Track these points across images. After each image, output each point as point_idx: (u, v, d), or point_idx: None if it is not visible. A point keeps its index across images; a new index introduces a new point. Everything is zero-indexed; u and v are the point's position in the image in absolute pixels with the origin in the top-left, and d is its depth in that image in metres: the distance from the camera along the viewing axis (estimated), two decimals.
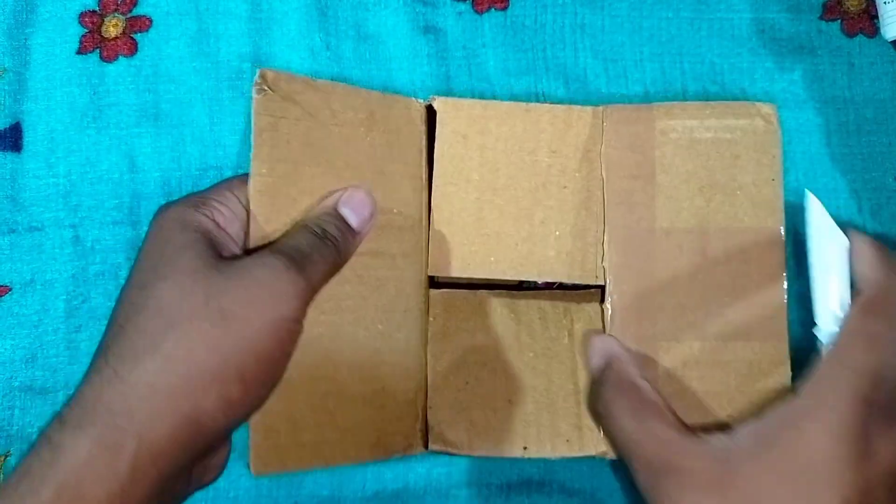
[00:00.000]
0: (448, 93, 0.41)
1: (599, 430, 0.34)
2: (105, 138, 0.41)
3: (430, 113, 0.33)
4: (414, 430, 0.33)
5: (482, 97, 0.41)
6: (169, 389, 0.25)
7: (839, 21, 0.42)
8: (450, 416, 0.34)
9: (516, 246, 0.33)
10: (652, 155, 0.32)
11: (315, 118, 0.31)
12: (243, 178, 0.32)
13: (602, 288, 0.35)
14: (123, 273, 0.40)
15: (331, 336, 0.31)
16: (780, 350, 0.32)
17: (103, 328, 0.39)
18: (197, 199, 0.32)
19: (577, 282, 0.33)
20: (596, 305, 0.35)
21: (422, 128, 0.33)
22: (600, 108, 0.33)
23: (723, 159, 0.33)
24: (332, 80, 0.41)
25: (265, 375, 0.28)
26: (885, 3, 0.40)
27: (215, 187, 0.33)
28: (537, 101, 0.41)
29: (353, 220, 0.31)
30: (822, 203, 0.40)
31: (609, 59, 0.41)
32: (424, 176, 0.33)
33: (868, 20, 0.41)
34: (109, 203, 0.41)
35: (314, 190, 0.31)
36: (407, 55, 0.42)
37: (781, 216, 0.33)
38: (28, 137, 0.41)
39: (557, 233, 0.33)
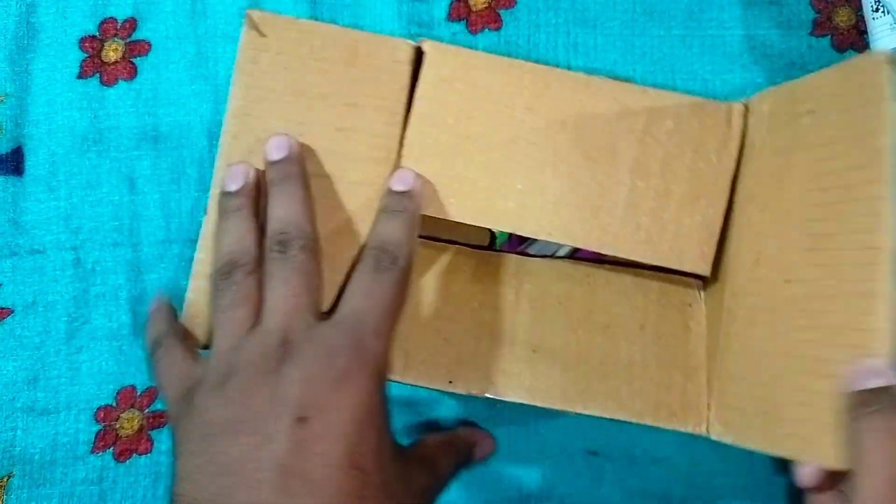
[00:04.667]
0: None
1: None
2: (105, 161, 0.42)
3: (418, 55, 0.34)
4: None
5: None
6: None
7: (829, 36, 0.42)
8: None
9: (478, 193, 0.34)
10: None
11: (293, 53, 0.34)
12: None
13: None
14: (124, 294, 0.41)
15: None
16: None
17: (104, 349, 0.40)
18: None
19: (530, 235, 0.34)
20: (549, 275, 0.37)
21: (407, 67, 0.34)
22: (584, 76, 0.34)
23: (682, 146, 0.34)
24: None
25: None
26: (874, 18, 0.40)
27: None
28: None
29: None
30: None
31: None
32: (402, 112, 0.34)
33: (858, 35, 0.42)
34: (109, 225, 0.41)
35: (285, 116, 0.34)
36: None
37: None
38: (29, 161, 0.42)
39: (520, 186, 0.34)
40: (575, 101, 0.34)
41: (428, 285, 0.37)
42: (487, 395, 0.34)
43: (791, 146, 0.32)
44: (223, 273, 0.30)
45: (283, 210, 0.31)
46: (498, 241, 0.40)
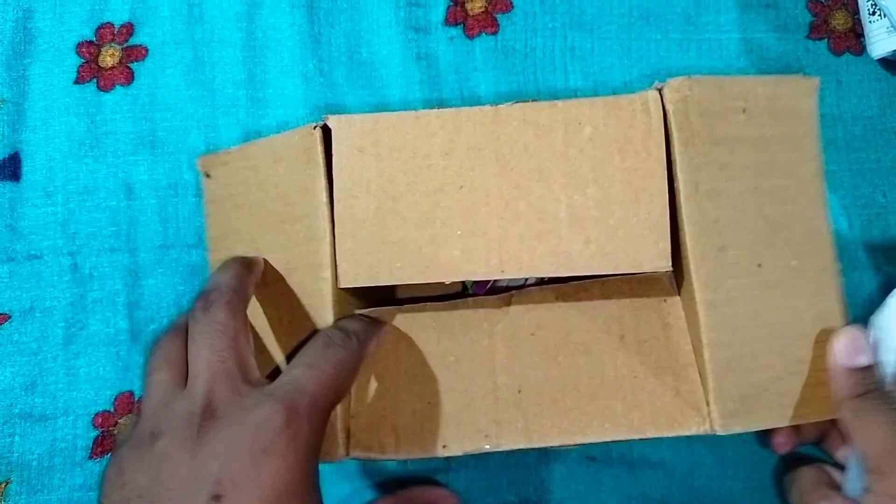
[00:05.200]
0: None
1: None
2: (102, 166, 0.42)
3: (328, 133, 0.34)
4: (335, 439, 0.33)
5: None
6: None
7: (826, 40, 0.42)
8: (371, 424, 0.34)
9: (420, 250, 0.34)
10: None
11: (236, 178, 0.37)
12: None
13: (504, 287, 0.38)
14: (121, 299, 0.41)
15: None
16: None
17: (101, 354, 0.40)
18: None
19: (483, 279, 0.34)
20: (517, 308, 0.37)
21: (317, 149, 0.34)
22: (490, 108, 0.34)
23: (607, 148, 0.34)
24: (325, 106, 0.42)
25: None
26: (870, 21, 0.40)
27: None
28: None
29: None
30: None
31: (599, 81, 0.42)
32: (325, 195, 0.34)
33: (854, 38, 0.42)
34: (107, 230, 0.41)
35: (243, 238, 0.36)
36: (399, 82, 0.42)
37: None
38: (27, 166, 0.42)
39: (459, 232, 0.34)
40: (489, 133, 0.34)
41: (400, 352, 0.36)
42: (486, 450, 0.34)
43: (731, 138, 0.33)
44: (153, 346, 0.31)
45: (215, 277, 0.32)
46: (468, 286, 0.40)
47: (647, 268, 0.33)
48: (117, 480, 0.27)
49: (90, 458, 0.40)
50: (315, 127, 0.34)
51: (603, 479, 0.39)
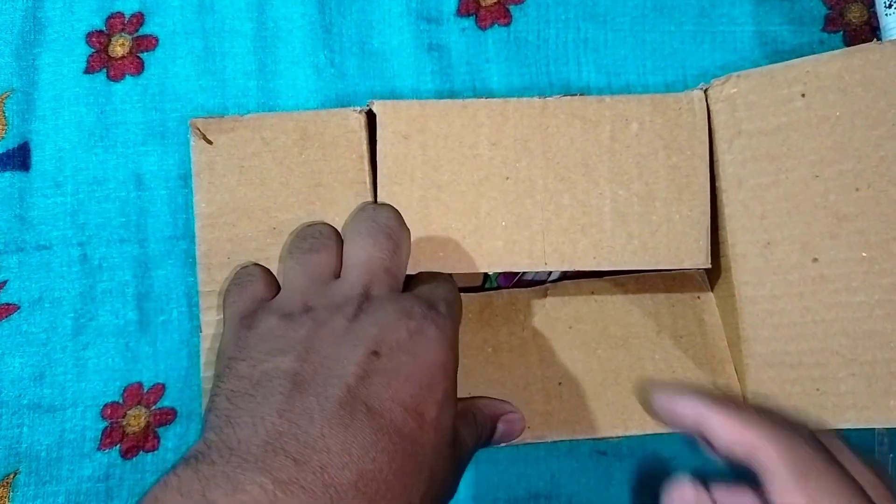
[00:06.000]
0: None
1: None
2: (112, 157, 0.42)
3: (372, 119, 0.34)
4: None
5: None
6: None
7: (841, 33, 0.42)
8: None
9: (464, 239, 0.34)
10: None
11: (246, 150, 0.35)
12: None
13: (544, 279, 0.38)
14: (130, 290, 0.41)
15: None
16: None
17: (110, 345, 0.40)
18: None
19: (526, 269, 0.34)
20: (553, 301, 0.37)
21: (362, 134, 0.34)
22: (539, 100, 0.34)
23: (652, 145, 0.34)
24: (336, 97, 0.42)
25: None
26: (886, 14, 0.40)
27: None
28: None
29: None
30: None
31: (612, 73, 0.42)
32: (368, 180, 0.34)
33: (870, 32, 0.42)
34: (117, 221, 0.41)
35: (254, 213, 0.35)
36: (411, 72, 0.42)
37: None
38: (36, 157, 0.42)
39: (503, 223, 0.34)
40: (536, 126, 0.34)
41: None
42: (528, 441, 0.34)
43: (786, 127, 0.33)
44: (301, 231, 0.33)
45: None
46: (492, 278, 0.40)
47: (687, 264, 0.33)
48: (266, 340, 0.27)
49: (98, 449, 0.39)
50: (360, 112, 0.34)
51: (613, 472, 0.39)
